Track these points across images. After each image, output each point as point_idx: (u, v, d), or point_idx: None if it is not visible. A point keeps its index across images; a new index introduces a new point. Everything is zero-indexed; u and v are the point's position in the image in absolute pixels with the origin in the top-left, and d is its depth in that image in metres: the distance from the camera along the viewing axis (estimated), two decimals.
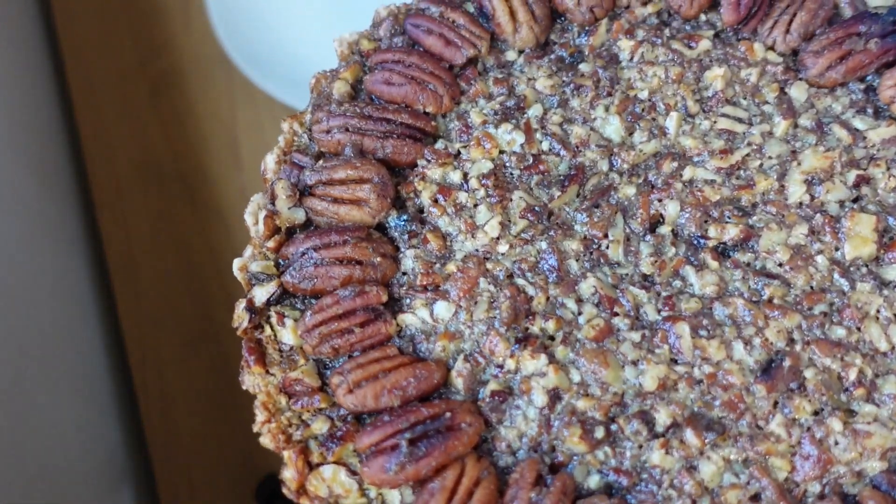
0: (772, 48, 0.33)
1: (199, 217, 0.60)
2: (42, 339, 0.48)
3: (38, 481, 0.42)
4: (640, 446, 0.27)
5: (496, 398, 0.28)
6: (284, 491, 0.28)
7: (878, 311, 0.28)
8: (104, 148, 0.63)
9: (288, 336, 0.30)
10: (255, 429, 0.29)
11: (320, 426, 0.29)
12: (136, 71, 0.67)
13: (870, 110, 0.31)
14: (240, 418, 0.51)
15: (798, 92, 0.32)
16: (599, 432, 0.27)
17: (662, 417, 0.27)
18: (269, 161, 0.32)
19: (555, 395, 0.28)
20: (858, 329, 0.28)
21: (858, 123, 0.31)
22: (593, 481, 0.27)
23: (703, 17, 0.34)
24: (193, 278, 0.57)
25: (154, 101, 0.66)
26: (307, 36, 0.57)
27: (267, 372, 0.29)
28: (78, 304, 0.56)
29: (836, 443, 0.26)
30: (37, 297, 0.49)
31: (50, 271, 0.53)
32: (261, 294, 0.30)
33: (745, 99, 0.32)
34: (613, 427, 0.28)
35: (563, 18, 0.34)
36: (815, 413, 0.27)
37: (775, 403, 0.27)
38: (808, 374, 0.27)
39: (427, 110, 0.32)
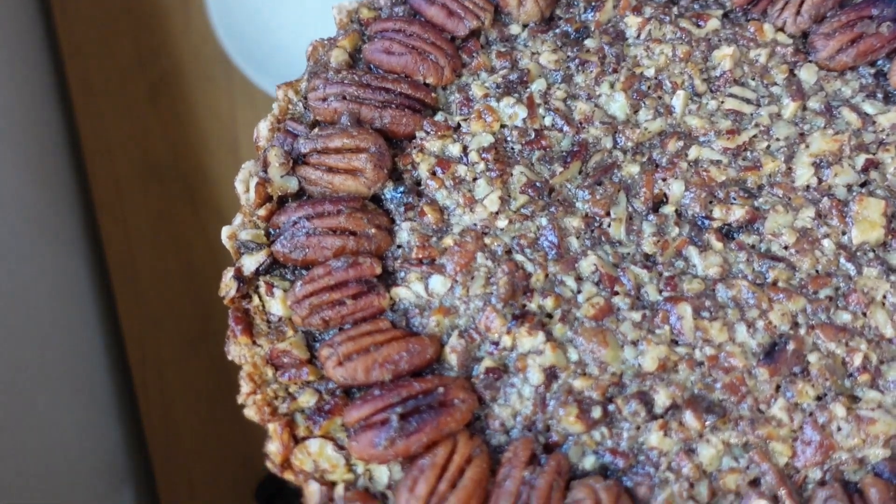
0: (781, 29, 0.33)
1: (199, 217, 0.60)
2: (42, 339, 0.48)
3: (38, 481, 0.42)
4: (638, 427, 0.26)
5: (491, 375, 0.28)
6: (268, 465, 0.27)
7: (884, 297, 0.27)
8: (104, 148, 0.64)
9: (277, 306, 0.29)
10: (240, 400, 0.28)
11: (307, 399, 0.28)
12: (136, 71, 0.67)
13: (880, 95, 0.31)
14: (240, 418, 0.53)
15: (807, 74, 0.31)
16: (596, 412, 0.27)
17: (661, 399, 0.27)
18: (262, 128, 0.31)
19: (551, 374, 0.28)
20: (864, 314, 0.27)
21: (868, 108, 0.31)
22: (589, 462, 0.26)
23: None
24: (193, 278, 0.58)
25: (154, 102, 0.66)
26: (307, 36, 0.57)
27: (254, 343, 0.28)
28: (78, 304, 0.57)
29: (839, 429, 0.26)
30: (37, 298, 0.50)
31: (50, 271, 0.53)
32: (250, 263, 0.29)
33: (753, 80, 0.32)
34: (611, 407, 0.27)
35: None
36: (818, 398, 0.26)
37: (777, 387, 0.27)
38: (812, 358, 0.27)
39: (427, 81, 0.32)
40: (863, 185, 0.29)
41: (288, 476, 0.27)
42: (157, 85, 0.66)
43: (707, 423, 0.26)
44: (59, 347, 0.50)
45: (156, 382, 0.54)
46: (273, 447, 0.27)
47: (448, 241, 0.30)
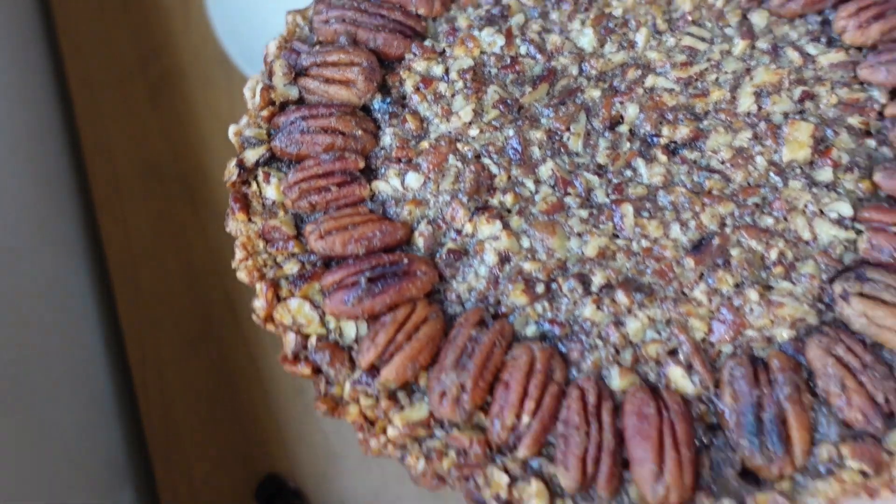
0: None
1: (199, 217, 0.61)
2: (42, 339, 0.49)
3: (38, 481, 0.43)
4: (575, 302, 0.31)
5: (452, 256, 0.32)
6: (253, 318, 0.32)
7: (805, 206, 0.31)
8: (104, 148, 0.64)
9: (271, 192, 0.34)
10: (234, 265, 0.33)
11: (291, 267, 0.32)
12: (136, 71, 0.68)
13: (823, 39, 0.35)
14: (240, 419, 0.54)
15: (759, 18, 0.36)
16: (540, 288, 0.31)
17: (598, 279, 0.31)
18: (272, 47, 0.37)
19: (505, 257, 0.32)
20: (785, 219, 0.31)
21: (811, 49, 0.35)
22: (530, 330, 0.31)
23: None
24: (193, 278, 0.59)
25: (154, 102, 0.67)
26: None
27: (249, 220, 0.33)
28: (78, 304, 0.57)
29: (752, 311, 0.30)
30: (36, 298, 0.50)
31: (50, 271, 0.54)
32: (251, 155, 0.35)
33: (709, 22, 0.36)
34: (553, 286, 0.31)
35: None
36: (737, 286, 0.30)
37: (701, 275, 0.31)
38: (734, 252, 0.31)
39: (419, 12, 0.37)
40: (798, 112, 0.33)
41: (270, 328, 0.32)
42: (157, 85, 0.67)
43: (636, 300, 0.30)
44: (59, 347, 0.51)
45: (156, 382, 0.55)
46: (258, 303, 0.32)
47: (425, 144, 0.35)
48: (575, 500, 0.28)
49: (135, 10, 0.70)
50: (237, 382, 0.56)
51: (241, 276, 0.33)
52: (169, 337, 0.57)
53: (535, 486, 0.28)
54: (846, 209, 0.31)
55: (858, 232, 0.31)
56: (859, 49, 0.35)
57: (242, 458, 0.52)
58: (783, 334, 0.29)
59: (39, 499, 0.42)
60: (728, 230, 0.31)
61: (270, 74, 0.36)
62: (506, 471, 0.28)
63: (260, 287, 0.32)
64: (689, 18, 0.36)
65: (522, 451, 0.28)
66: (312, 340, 0.31)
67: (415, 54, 0.37)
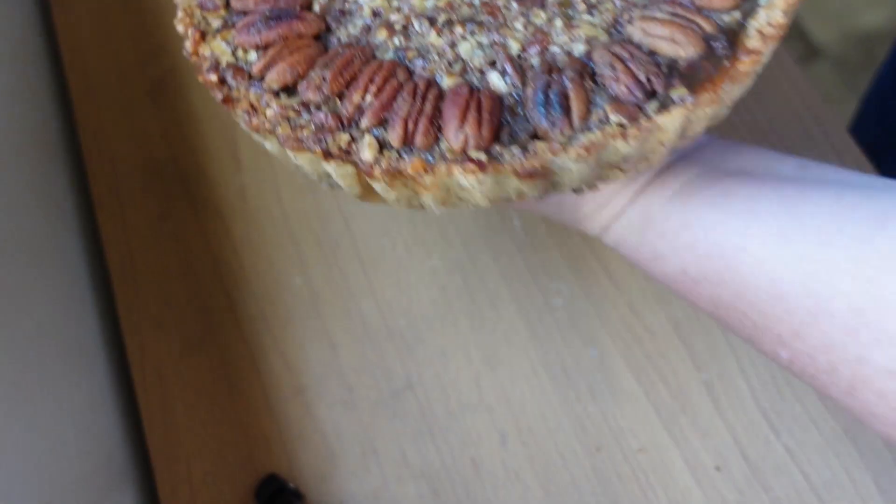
0: None
1: (199, 217, 0.63)
2: (41, 339, 0.49)
3: (37, 482, 0.43)
4: (423, 35, 0.40)
5: (338, 13, 0.42)
6: (183, 52, 0.43)
7: None
8: (103, 148, 0.65)
9: None
10: (175, 23, 0.43)
11: (216, 22, 0.43)
12: (136, 71, 0.66)
13: None
14: (240, 419, 0.54)
15: None
16: (398, 28, 0.41)
17: (441, 18, 0.41)
18: None
19: (377, 13, 0.42)
20: None
21: None
22: (388, 56, 0.40)
23: None
24: (193, 279, 0.61)
25: (154, 102, 0.66)
26: None
27: None
28: (77, 304, 0.57)
29: (557, 34, 0.39)
30: (35, 298, 0.51)
31: (49, 272, 0.54)
32: None
33: None
34: (409, 27, 0.41)
35: None
36: (549, 19, 0.39)
37: (522, 13, 0.40)
38: None
39: None
40: None
41: (194, 59, 0.42)
42: (157, 85, 0.67)
43: (469, 29, 0.40)
44: (59, 348, 0.51)
45: (155, 382, 0.56)
46: (187, 43, 0.42)
47: None
48: (399, 152, 0.37)
49: (135, 10, 0.71)
50: (237, 382, 0.57)
51: (179, 28, 0.43)
52: (168, 337, 0.56)
53: (368, 139, 0.37)
54: None
55: None
56: None
57: (242, 458, 0.53)
58: (579, 48, 0.38)
59: (38, 499, 0.42)
60: None
61: None
62: (350, 136, 0.37)
63: (190, 32, 0.42)
64: None
65: (365, 122, 0.37)
66: (224, 62, 0.41)
67: None
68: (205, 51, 0.41)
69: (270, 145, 0.39)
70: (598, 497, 0.48)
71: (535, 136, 0.36)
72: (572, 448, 0.50)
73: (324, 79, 0.38)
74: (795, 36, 1.52)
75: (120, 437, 0.55)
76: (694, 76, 0.36)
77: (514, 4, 0.40)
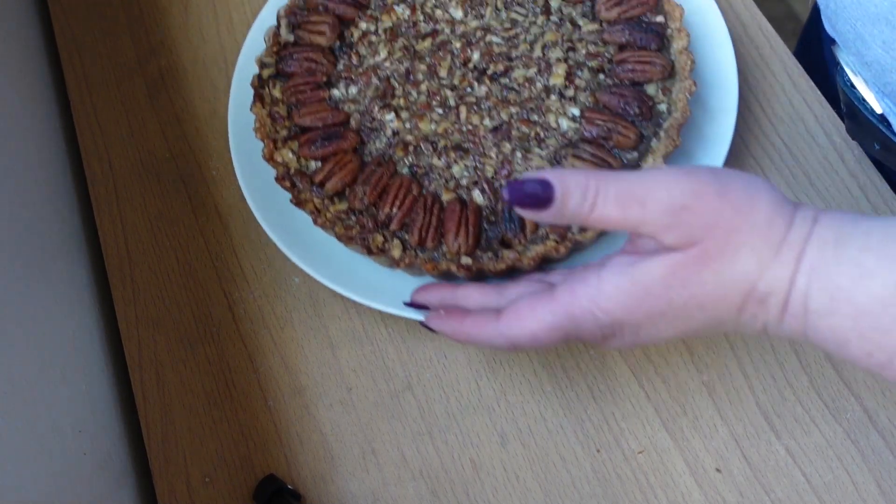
0: None
1: (198, 217, 0.65)
2: (39, 339, 0.51)
3: (35, 482, 0.44)
4: (429, 156, 0.65)
5: (368, 130, 0.67)
6: (262, 156, 0.67)
7: (556, 109, 0.65)
8: (102, 147, 0.68)
9: (276, 93, 0.69)
10: (255, 134, 0.67)
11: (283, 133, 0.68)
12: (135, 69, 0.72)
13: (590, 16, 0.69)
14: (238, 419, 0.57)
15: (555, 2, 0.71)
16: (411, 149, 0.66)
17: (440, 144, 0.66)
18: (282, 10, 0.72)
19: (395, 132, 0.67)
20: (545, 116, 0.65)
21: (581, 21, 0.69)
22: (405, 170, 0.65)
23: None
24: (191, 279, 0.63)
25: (152, 101, 0.70)
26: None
27: (263, 107, 0.68)
28: (75, 304, 0.60)
29: (518, 163, 0.64)
30: (33, 298, 0.53)
31: (47, 272, 0.56)
32: (266, 72, 0.70)
33: (527, 4, 0.70)
34: (419, 147, 0.65)
35: None
36: (512, 150, 0.64)
37: (496, 144, 0.65)
38: (514, 133, 0.65)
39: None
40: (564, 59, 0.67)
41: (271, 163, 0.67)
42: (155, 83, 0.71)
43: (458, 156, 0.65)
44: (57, 348, 0.53)
45: (153, 383, 0.58)
46: (265, 150, 0.66)
47: (360, 70, 0.70)
48: (416, 251, 0.62)
49: (133, 8, 0.74)
50: (235, 383, 0.58)
51: (257, 136, 0.67)
52: (167, 337, 0.60)
53: (396, 242, 0.62)
54: (577, 111, 0.65)
55: (581, 123, 0.64)
56: (608, 22, 0.68)
57: (241, 458, 0.55)
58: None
59: (37, 499, 0.44)
60: (513, 121, 0.65)
61: (279, 26, 0.71)
62: (383, 236, 0.63)
63: (267, 141, 0.67)
64: (516, 2, 0.70)
65: (393, 226, 0.63)
66: (292, 170, 0.66)
67: (360, 18, 0.72)
68: (278, 158, 0.66)
69: (328, 233, 0.64)
70: (597, 498, 0.49)
71: (503, 240, 0.62)
72: (572, 449, 0.51)
73: (364, 193, 0.63)
74: (798, 36, 1.74)
75: (118, 438, 0.56)
76: None
77: (490, 136, 0.65)
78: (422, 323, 0.50)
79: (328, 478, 0.53)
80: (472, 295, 0.50)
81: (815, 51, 0.77)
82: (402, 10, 0.73)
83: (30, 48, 0.70)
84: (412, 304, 0.52)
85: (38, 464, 0.45)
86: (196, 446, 0.56)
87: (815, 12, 0.81)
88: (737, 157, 0.62)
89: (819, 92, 0.63)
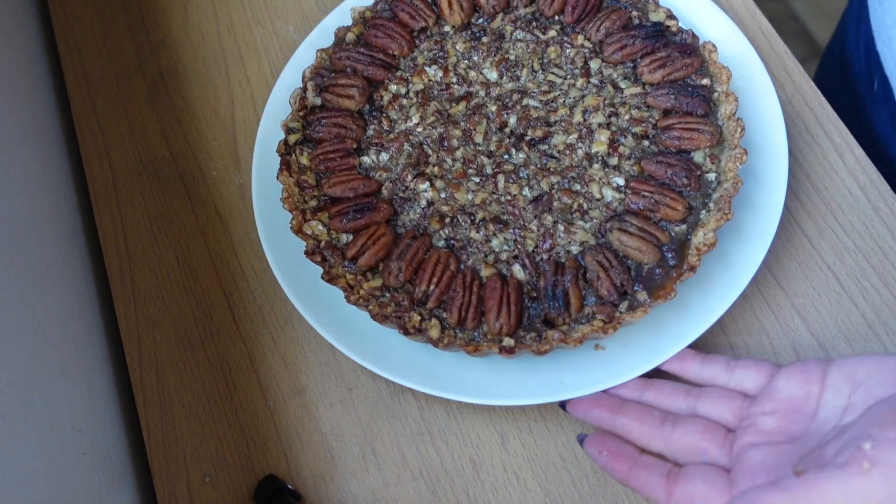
0: (588, 39, 0.69)
1: (198, 216, 0.66)
2: (39, 339, 0.52)
3: (35, 481, 0.45)
4: (466, 229, 0.63)
5: (401, 200, 0.64)
6: (290, 226, 0.64)
7: (599, 179, 0.63)
8: (101, 147, 0.69)
9: (304, 160, 0.67)
10: (282, 204, 0.65)
11: (312, 204, 0.65)
12: (135, 70, 0.72)
13: (631, 78, 0.67)
14: (238, 419, 0.57)
15: (595, 64, 0.68)
16: (447, 220, 0.63)
17: (479, 216, 0.63)
18: (307, 71, 0.70)
19: (430, 203, 0.64)
20: (587, 186, 0.63)
21: (622, 84, 0.67)
22: (441, 243, 0.63)
23: (556, 17, 0.70)
24: (191, 278, 0.63)
25: (152, 100, 0.71)
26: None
27: (290, 175, 0.66)
28: (75, 304, 0.60)
29: (560, 236, 0.61)
30: (33, 297, 0.53)
31: (47, 272, 0.57)
32: (292, 138, 0.67)
33: (565, 65, 0.68)
34: (455, 219, 0.63)
35: (479, 10, 0.71)
36: (555, 222, 0.62)
37: (536, 216, 0.62)
38: (556, 204, 0.63)
39: (394, 53, 0.70)
40: (606, 124, 0.65)
41: (300, 235, 0.64)
42: (155, 83, 0.71)
43: (498, 228, 0.62)
44: (57, 348, 0.54)
45: (153, 383, 0.59)
46: (293, 222, 0.64)
47: (391, 135, 0.67)
48: (455, 331, 0.60)
49: (133, 7, 0.74)
50: (235, 382, 0.59)
51: (285, 207, 0.65)
52: (167, 337, 0.61)
53: (434, 322, 0.59)
54: (621, 181, 0.63)
55: (626, 193, 0.62)
56: (651, 85, 0.66)
57: (241, 458, 0.55)
58: (575, 249, 0.61)
59: (37, 499, 0.44)
60: (554, 191, 0.63)
61: (305, 90, 0.68)
62: (420, 315, 0.60)
63: (295, 212, 0.64)
64: (553, 63, 0.68)
65: (430, 304, 0.60)
66: (322, 243, 0.63)
67: (390, 80, 0.69)
68: (307, 230, 0.64)
69: (362, 309, 0.61)
70: (597, 498, 0.50)
71: (545, 318, 0.59)
72: (572, 449, 0.52)
73: (399, 269, 0.61)
74: (798, 35, 1.55)
75: (118, 438, 0.57)
76: (652, 280, 0.59)
77: (530, 208, 0.62)
78: (581, 442, 0.51)
79: (328, 478, 0.54)
80: (633, 429, 0.49)
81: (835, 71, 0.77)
82: (433, 72, 0.70)
83: (30, 48, 0.70)
84: (564, 407, 0.53)
85: (38, 464, 0.45)
86: (196, 446, 0.56)
87: (840, 31, 0.81)
88: None
89: (819, 91, 0.64)
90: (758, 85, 0.66)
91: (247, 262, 0.64)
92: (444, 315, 0.61)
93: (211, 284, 0.64)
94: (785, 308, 0.59)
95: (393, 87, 0.70)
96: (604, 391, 0.53)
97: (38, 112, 0.67)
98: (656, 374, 0.53)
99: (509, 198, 0.65)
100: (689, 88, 0.65)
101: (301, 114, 0.70)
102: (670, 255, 0.60)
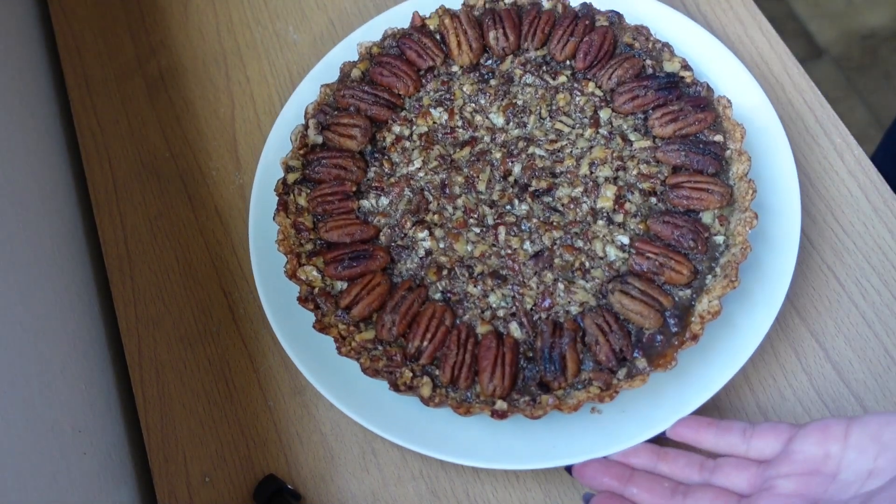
0: (599, 86, 0.67)
1: (198, 216, 0.66)
2: (39, 339, 0.52)
3: (34, 481, 0.45)
4: (464, 282, 0.61)
5: (399, 248, 0.63)
6: (283, 271, 0.63)
7: (603, 236, 0.61)
8: (101, 147, 0.69)
9: (302, 201, 0.66)
10: (277, 246, 0.64)
11: (308, 247, 0.64)
12: (135, 70, 0.73)
13: (642, 130, 0.65)
14: (238, 419, 0.58)
15: (605, 114, 0.66)
16: (444, 272, 0.62)
17: (478, 269, 0.62)
18: (310, 108, 0.69)
19: (428, 252, 0.63)
20: (590, 243, 0.61)
21: (632, 136, 0.65)
22: (437, 296, 0.62)
23: (567, 62, 0.68)
24: (191, 278, 0.64)
25: (152, 100, 0.71)
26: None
27: (287, 216, 0.65)
28: (75, 304, 0.60)
29: (560, 295, 0.60)
30: (33, 297, 0.54)
31: (47, 271, 0.57)
32: (291, 177, 0.66)
33: (574, 114, 0.66)
34: (453, 271, 0.62)
35: (488, 51, 0.70)
36: (554, 280, 0.60)
37: (535, 272, 0.61)
38: (557, 261, 0.61)
39: (399, 93, 0.69)
40: (613, 178, 0.63)
41: (293, 281, 0.63)
42: (155, 83, 0.72)
43: (496, 283, 0.61)
44: (56, 347, 0.54)
45: (153, 383, 0.59)
46: (288, 265, 0.63)
47: (392, 179, 0.66)
48: (447, 390, 0.58)
49: (133, 8, 0.75)
50: (235, 382, 0.59)
51: (280, 249, 0.64)
52: (166, 337, 0.61)
53: (425, 379, 0.58)
54: (626, 240, 0.61)
55: (630, 253, 0.60)
56: (662, 139, 0.64)
57: (240, 458, 0.56)
58: (575, 309, 0.59)
59: (37, 499, 0.44)
60: (556, 247, 0.61)
61: (306, 127, 0.67)
62: (412, 371, 0.59)
63: (289, 257, 0.63)
64: (562, 110, 0.66)
65: (423, 361, 0.59)
66: (316, 290, 0.62)
67: (394, 120, 0.68)
68: (301, 275, 0.63)
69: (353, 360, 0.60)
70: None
71: (541, 381, 0.58)
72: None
73: (393, 322, 0.60)
74: (798, 36, 1.50)
75: (118, 437, 0.57)
76: (652, 346, 0.57)
77: (530, 263, 0.61)
78: (586, 503, 0.51)
79: (328, 478, 0.54)
80: (643, 500, 0.49)
81: None
82: (438, 114, 0.69)
83: (30, 48, 0.70)
84: (570, 471, 0.52)
85: (38, 464, 0.46)
86: (196, 446, 0.57)
87: None
88: None
89: (819, 93, 0.65)
90: (772, 141, 0.64)
91: (247, 262, 0.63)
92: (437, 373, 0.60)
93: (211, 284, 0.64)
94: (784, 308, 0.58)
95: (396, 129, 0.69)
96: (609, 456, 0.52)
97: (38, 112, 0.67)
98: (669, 440, 0.53)
99: (509, 251, 0.63)
100: (701, 145, 0.64)
101: (301, 152, 0.69)
102: (672, 322, 0.59)
